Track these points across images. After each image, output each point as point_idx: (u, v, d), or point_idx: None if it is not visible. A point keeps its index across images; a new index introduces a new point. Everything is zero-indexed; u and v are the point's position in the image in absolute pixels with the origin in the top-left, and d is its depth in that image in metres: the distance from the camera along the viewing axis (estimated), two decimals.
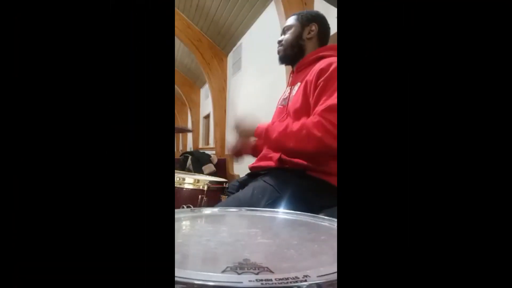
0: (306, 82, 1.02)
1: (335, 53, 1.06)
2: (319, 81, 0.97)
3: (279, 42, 1.16)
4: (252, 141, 1.11)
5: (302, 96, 1.02)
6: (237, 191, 1.09)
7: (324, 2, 1.96)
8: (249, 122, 1.07)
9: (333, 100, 0.91)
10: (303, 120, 0.94)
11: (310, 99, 0.99)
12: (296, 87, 1.08)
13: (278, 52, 1.17)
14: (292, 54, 1.13)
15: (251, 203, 0.89)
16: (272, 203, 0.88)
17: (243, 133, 1.08)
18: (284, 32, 1.16)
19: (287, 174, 0.96)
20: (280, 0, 2.59)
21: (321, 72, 0.97)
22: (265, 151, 1.10)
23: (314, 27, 1.13)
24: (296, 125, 0.93)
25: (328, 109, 0.91)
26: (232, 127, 1.12)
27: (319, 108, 0.94)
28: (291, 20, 1.16)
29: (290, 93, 1.12)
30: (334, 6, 1.93)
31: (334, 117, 0.88)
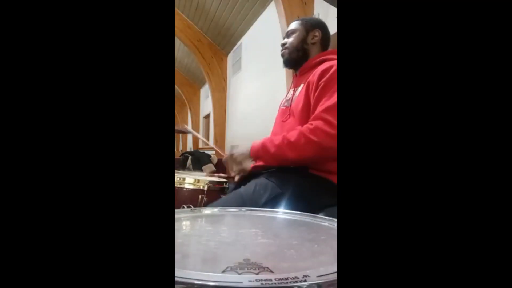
0: (309, 83, 1.03)
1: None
2: (320, 82, 0.98)
3: (283, 45, 1.18)
4: (249, 164, 1.09)
5: (304, 96, 1.03)
6: (237, 188, 1.09)
7: (324, 2, 1.96)
8: (240, 149, 1.06)
9: (333, 100, 0.92)
10: (299, 128, 0.95)
11: (311, 99, 1.00)
12: (299, 89, 1.10)
13: (282, 55, 1.19)
14: (297, 58, 1.15)
15: (253, 198, 0.89)
16: (274, 199, 0.88)
17: (238, 161, 1.06)
18: (287, 35, 1.18)
19: (289, 173, 0.96)
20: (280, 0, 2.59)
21: (323, 73, 0.99)
22: None
23: (317, 33, 1.16)
24: (293, 135, 0.94)
25: (327, 110, 0.91)
26: (225, 162, 1.10)
27: (319, 109, 0.94)
28: (295, 25, 1.18)
29: (293, 94, 1.13)
30: (334, 6, 1.93)
31: (333, 118, 0.89)
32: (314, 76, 1.02)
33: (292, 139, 0.93)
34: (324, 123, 0.90)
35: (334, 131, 0.88)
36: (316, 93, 0.98)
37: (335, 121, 0.88)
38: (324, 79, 0.97)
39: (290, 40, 1.16)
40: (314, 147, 0.90)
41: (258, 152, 1.00)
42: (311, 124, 0.92)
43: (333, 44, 1.02)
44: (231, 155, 1.07)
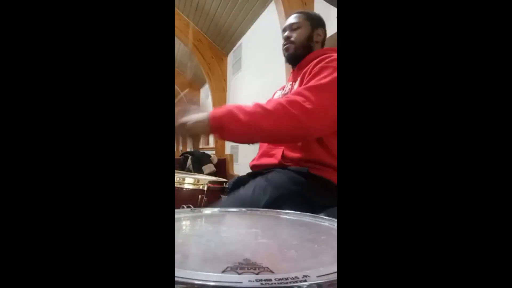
0: (305, 73, 1.02)
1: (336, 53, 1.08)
2: (314, 68, 0.97)
3: (288, 38, 1.12)
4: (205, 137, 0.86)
5: (299, 86, 1.02)
6: (237, 188, 1.08)
7: (324, 2, 1.96)
8: (194, 116, 0.81)
9: (318, 81, 0.89)
10: (278, 99, 0.90)
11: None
12: (297, 83, 1.09)
13: (287, 49, 1.13)
14: (302, 55, 1.12)
15: (252, 200, 0.87)
16: (274, 201, 0.86)
17: (192, 132, 0.81)
18: (292, 29, 1.13)
19: (290, 173, 0.94)
20: (280, 0, 2.58)
21: (318, 61, 0.98)
22: (266, 148, 1.09)
23: (321, 32, 1.14)
24: (269, 104, 0.86)
25: (309, 88, 0.88)
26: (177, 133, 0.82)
27: (301, 87, 0.91)
28: (298, 18, 1.13)
29: (291, 89, 1.12)
30: (334, 6, 1.93)
31: (314, 97, 0.85)
32: (309, 67, 1.01)
33: (269, 107, 0.84)
34: (304, 99, 0.85)
35: (311, 107, 0.83)
36: (307, 78, 0.96)
37: (315, 100, 0.84)
38: (318, 66, 0.96)
39: (295, 35, 1.11)
40: (293, 120, 0.83)
41: (221, 120, 0.81)
42: (289, 97, 0.87)
43: (333, 44, 1.02)
44: (183, 124, 0.81)
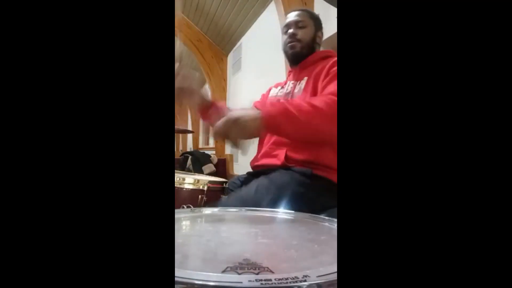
0: (317, 74, 1.00)
1: None
2: (331, 70, 0.96)
3: (294, 35, 1.09)
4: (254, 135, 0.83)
5: (312, 89, 1.00)
6: (239, 187, 1.07)
7: (324, 2, 1.96)
8: (245, 112, 0.79)
9: None
10: (322, 98, 0.85)
11: (319, 88, 0.98)
12: (302, 82, 1.06)
13: (293, 47, 1.10)
14: (306, 54, 1.11)
15: (255, 199, 0.86)
16: (276, 201, 0.85)
17: (245, 127, 0.77)
18: (297, 27, 1.10)
19: (293, 174, 0.93)
20: (280, 0, 2.58)
21: (333, 64, 0.98)
22: (268, 148, 1.07)
23: (321, 34, 1.15)
24: (320, 103, 0.79)
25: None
26: (219, 126, 0.75)
27: (331, 88, 0.90)
28: (304, 17, 1.11)
29: (293, 88, 1.09)
30: (334, 6, 1.93)
31: None
32: (323, 68, 1.00)
33: (323, 107, 0.80)
34: None
35: None
36: (326, 79, 0.95)
37: None
38: (335, 68, 0.96)
39: (301, 33, 1.10)
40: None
41: (276, 119, 0.78)
42: (334, 95, 0.83)
43: (333, 44, 1.02)
44: (236, 119, 0.76)
